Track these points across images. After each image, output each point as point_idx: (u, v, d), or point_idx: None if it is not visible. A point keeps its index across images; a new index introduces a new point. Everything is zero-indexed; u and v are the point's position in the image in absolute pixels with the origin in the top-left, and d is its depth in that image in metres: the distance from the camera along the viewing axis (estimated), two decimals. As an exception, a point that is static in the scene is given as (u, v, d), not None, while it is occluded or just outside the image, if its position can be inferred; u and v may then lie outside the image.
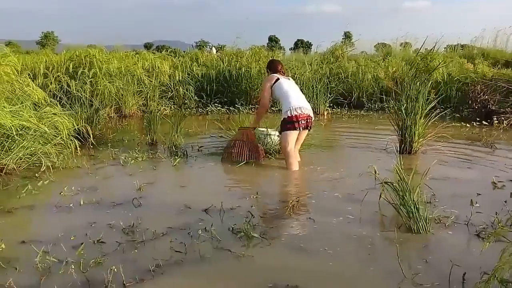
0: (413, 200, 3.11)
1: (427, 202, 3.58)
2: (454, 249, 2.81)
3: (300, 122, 4.71)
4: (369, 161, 5.03)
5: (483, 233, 3.01)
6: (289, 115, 4.71)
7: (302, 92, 9.43)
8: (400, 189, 3.20)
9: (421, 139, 5.53)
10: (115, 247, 2.83)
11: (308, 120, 4.80)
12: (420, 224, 3.06)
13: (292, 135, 4.77)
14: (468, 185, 4.22)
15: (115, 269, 2.38)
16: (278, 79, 4.96)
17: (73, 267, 2.49)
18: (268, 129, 5.29)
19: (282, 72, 5.18)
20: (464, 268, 2.44)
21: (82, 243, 2.85)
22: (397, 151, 5.55)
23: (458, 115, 8.80)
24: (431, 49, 5.77)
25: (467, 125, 7.68)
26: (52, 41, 73.97)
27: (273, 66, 5.24)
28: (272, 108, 7.51)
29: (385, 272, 2.51)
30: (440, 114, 6.16)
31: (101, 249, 2.81)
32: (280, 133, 4.95)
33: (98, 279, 2.40)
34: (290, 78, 5.26)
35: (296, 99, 4.80)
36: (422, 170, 4.53)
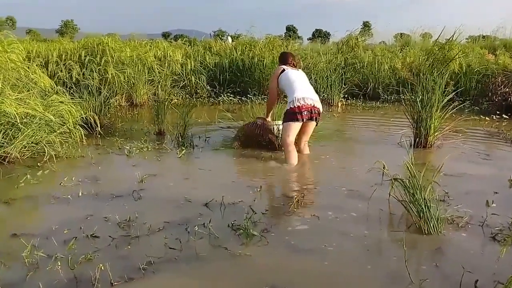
0: (424, 199, 2.92)
1: (440, 200, 3.40)
2: (467, 253, 2.62)
3: (303, 114, 4.52)
4: (381, 155, 4.81)
5: (499, 235, 2.81)
6: (291, 106, 4.53)
7: (316, 83, 9.39)
8: (410, 186, 3.02)
9: (437, 133, 5.30)
10: (108, 242, 2.71)
11: (313, 111, 4.60)
12: (431, 225, 2.87)
13: (293, 126, 4.58)
14: (484, 182, 4.00)
15: (102, 267, 2.26)
16: (284, 70, 4.81)
17: (60, 263, 2.36)
18: (275, 121, 5.13)
19: (293, 64, 5.01)
20: (477, 275, 2.26)
21: (75, 237, 2.74)
22: (411, 145, 5.33)
23: (477, 108, 8.48)
24: (449, 39, 5.50)
25: (487, 118, 7.38)
26: (72, 30, 74.68)
27: (283, 58, 5.12)
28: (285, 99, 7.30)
29: (391, 276, 2.34)
30: (458, 106, 5.92)
31: (94, 244, 2.70)
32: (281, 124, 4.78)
33: (86, 277, 2.28)
34: (300, 69, 5.07)
35: (300, 90, 4.61)
36: (436, 166, 4.35)
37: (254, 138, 5.09)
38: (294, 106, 4.52)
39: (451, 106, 5.42)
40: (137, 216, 3.10)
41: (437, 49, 5.44)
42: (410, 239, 2.78)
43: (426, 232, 2.85)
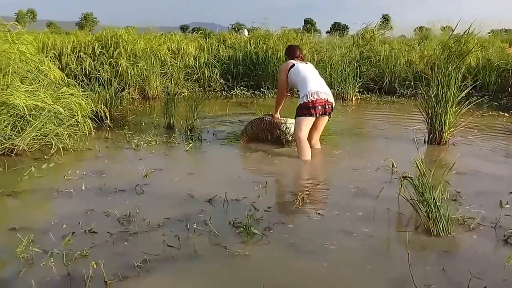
0: (434, 198, 2.80)
1: (452, 200, 3.27)
2: (476, 256, 2.50)
3: (317, 108, 4.42)
4: (394, 152, 4.71)
5: (512, 238, 2.68)
6: (305, 100, 4.42)
7: (331, 77, 9.24)
8: (419, 185, 2.89)
9: (452, 129, 5.13)
10: (105, 239, 2.66)
11: (327, 106, 4.50)
12: (440, 225, 2.75)
13: (307, 121, 4.48)
14: (499, 182, 3.84)
15: (95, 265, 2.20)
16: (293, 65, 4.71)
17: (53, 260, 2.31)
18: (286, 118, 5.01)
19: (301, 57, 4.92)
20: (486, 280, 2.14)
21: (72, 233, 2.69)
22: (425, 141, 5.18)
23: (496, 103, 8.23)
24: (465, 31, 5.31)
25: (506, 114, 7.13)
26: (91, 23, 75.46)
27: (291, 52, 5.00)
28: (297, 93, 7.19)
29: (393, 280, 2.24)
30: (476, 101, 5.73)
31: (91, 239, 2.65)
32: (294, 118, 4.66)
33: (79, 274, 2.22)
34: (308, 62, 4.96)
35: (313, 84, 4.50)
36: (449, 163, 4.21)
37: (261, 134, 5.03)
38: (308, 101, 4.41)
39: (469, 101, 5.25)
40: (137, 212, 3.05)
41: (452, 42, 5.23)
42: (417, 241, 2.67)
43: (435, 233, 2.74)
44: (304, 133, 4.48)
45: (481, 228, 2.85)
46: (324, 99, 4.46)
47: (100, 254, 2.45)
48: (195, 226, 2.75)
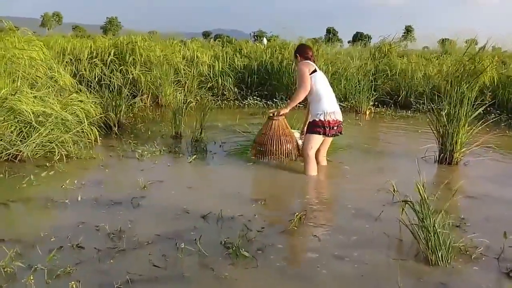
0: (433, 225, 2.67)
1: (456, 226, 3.13)
2: (475, 291, 2.37)
3: (332, 129, 4.32)
4: (400, 171, 4.59)
5: (515, 272, 2.53)
6: (321, 119, 4.31)
7: (345, 89, 9.10)
8: (420, 211, 2.77)
9: (464, 149, 4.96)
10: (92, 255, 2.61)
11: (339, 126, 4.42)
12: (440, 254, 2.62)
13: (318, 139, 4.38)
14: (509, 207, 3.68)
15: (74, 285, 2.14)
16: (315, 70, 4.47)
17: (35, 276, 2.27)
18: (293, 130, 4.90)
19: (313, 59, 4.65)
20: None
21: (60, 247, 2.65)
22: (435, 161, 5.02)
23: (514, 122, 7.99)
24: (480, 49, 5.15)
25: (524, 134, 6.91)
26: (115, 27, 76.73)
27: (303, 51, 4.63)
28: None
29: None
30: (494, 119, 5.55)
31: (78, 255, 2.60)
32: (305, 133, 4.55)
33: (59, 293, 2.17)
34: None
35: (330, 101, 4.39)
36: (458, 186, 4.06)
37: (268, 151, 4.58)
38: (324, 120, 4.31)
39: (484, 119, 5.09)
40: (129, 227, 3.00)
41: (467, 59, 5.07)
42: (414, 270, 2.55)
43: (433, 262, 2.61)
44: (313, 151, 4.39)
45: (483, 258, 2.71)
46: (339, 120, 4.39)
47: (84, 272, 2.40)
48: (184, 246, 2.68)
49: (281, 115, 4.59)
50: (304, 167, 4.41)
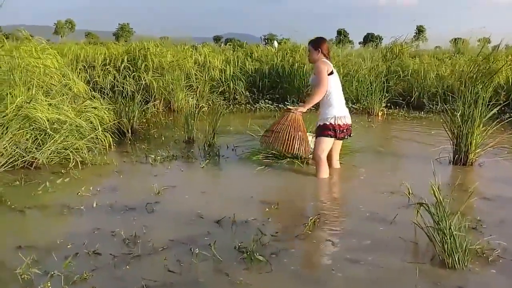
0: (449, 227, 2.64)
1: (472, 228, 3.10)
2: (493, 294, 2.34)
3: (341, 132, 4.32)
4: (415, 173, 4.54)
5: (533, 275, 2.50)
6: (332, 122, 4.30)
7: (357, 91, 9.07)
8: (436, 213, 2.74)
9: (478, 150, 4.90)
10: (108, 261, 2.63)
11: (348, 129, 4.42)
12: (456, 257, 2.59)
13: (329, 142, 4.37)
14: (525, 209, 3.62)
15: (91, 291, 2.17)
16: (332, 72, 4.40)
17: (52, 282, 2.30)
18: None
19: (330, 57, 4.59)
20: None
21: (76, 253, 2.68)
22: (450, 162, 4.97)
23: (530, 121, 7.86)
24: (495, 49, 5.09)
25: (541, 133, 6.80)
26: (127, 33, 77.46)
27: (324, 46, 4.47)
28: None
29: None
30: (509, 119, 5.48)
31: (94, 261, 2.62)
32: (315, 137, 4.53)
33: (76, 299, 2.20)
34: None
35: (341, 106, 4.38)
36: (473, 187, 4.02)
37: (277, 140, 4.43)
38: (335, 124, 4.30)
39: (499, 120, 5.03)
40: (144, 232, 3.02)
41: (481, 59, 5.02)
42: (430, 273, 2.53)
43: (450, 265, 2.58)
44: (325, 154, 4.38)
45: (500, 261, 2.67)
46: (349, 124, 4.39)
47: (100, 278, 2.42)
48: (198, 251, 2.69)
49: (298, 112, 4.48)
50: (316, 169, 4.41)
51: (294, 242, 2.94)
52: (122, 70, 8.57)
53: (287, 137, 4.38)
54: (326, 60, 4.43)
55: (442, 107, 8.89)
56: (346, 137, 4.49)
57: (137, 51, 9.33)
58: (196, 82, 9.44)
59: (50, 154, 4.69)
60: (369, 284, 2.42)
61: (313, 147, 4.56)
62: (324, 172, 4.37)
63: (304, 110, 4.46)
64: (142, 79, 8.41)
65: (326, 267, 2.62)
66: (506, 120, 5.73)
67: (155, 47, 9.53)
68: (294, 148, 4.41)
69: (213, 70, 9.92)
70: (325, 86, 4.29)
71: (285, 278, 2.47)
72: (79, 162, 4.64)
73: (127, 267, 2.56)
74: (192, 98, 8.77)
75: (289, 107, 4.57)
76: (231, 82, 10.07)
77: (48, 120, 4.72)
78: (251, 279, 2.44)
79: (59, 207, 3.49)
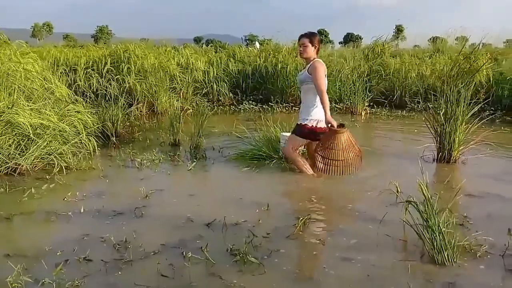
0: (438, 225, 2.68)
1: (459, 225, 3.15)
2: (483, 289, 2.38)
3: (319, 134, 4.36)
4: (401, 172, 4.61)
5: (521, 269, 2.55)
6: (319, 126, 4.32)
7: (340, 91, 9.15)
8: (424, 211, 2.78)
9: (461, 147, 5.00)
10: (99, 267, 2.60)
11: (323, 132, 4.40)
12: (445, 254, 2.64)
13: (302, 142, 4.46)
14: (510, 205, 3.70)
15: (84, 298, 2.14)
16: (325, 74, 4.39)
17: (43, 291, 2.27)
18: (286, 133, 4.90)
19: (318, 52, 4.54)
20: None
21: (66, 260, 2.64)
22: (434, 160, 5.05)
23: (509, 118, 8.03)
24: (475, 48, 5.19)
25: (519, 130, 6.96)
26: (106, 35, 76.59)
27: (318, 42, 4.44)
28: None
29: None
30: (489, 117, 5.60)
31: (85, 268, 2.59)
32: (292, 133, 4.51)
33: (68, 307, 2.17)
34: None
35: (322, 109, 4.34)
36: (458, 184, 4.10)
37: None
38: (322, 127, 4.32)
39: (480, 117, 5.13)
40: (134, 237, 2.99)
41: (462, 58, 5.11)
42: (421, 270, 2.56)
43: (440, 262, 2.62)
44: (294, 150, 4.44)
45: (488, 256, 2.73)
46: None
47: (92, 284, 2.40)
48: (191, 255, 2.68)
49: (342, 127, 4.33)
50: (297, 168, 4.49)
51: (286, 243, 2.95)
52: (106, 73, 8.46)
53: (344, 162, 4.29)
54: (321, 61, 4.40)
55: (423, 106, 9.05)
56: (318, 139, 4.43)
57: (121, 53, 9.20)
58: (179, 84, 9.39)
59: (34, 160, 4.61)
60: (362, 282, 2.45)
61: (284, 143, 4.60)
62: (307, 167, 4.44)
63: (331, 118, 4.22)
64: (126, 82, 8.32)
65: (319, 266, 2.64)
66: (487, 118, 5.84)
67: (138, 49, 9.43)
68: (355, 168, 4.36)
69: (196, 71, 9.88)
70: (325, 88, 4.28)
71: (279, 279, 2.48)
72: (63, 167, 4.58)
73: (119, 272, 2.54)
74: (177, 101, 8.71)
75: (333, 127, 4.23)
76: (214, 83, 10.05)
77: (31, 125, 4.64)
78: (245, 281, 2.44)
79: (46, 214, 3.44)
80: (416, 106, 9.39)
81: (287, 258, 2.75)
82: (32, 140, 4.66)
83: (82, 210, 3.48)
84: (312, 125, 4.32)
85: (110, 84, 7.92)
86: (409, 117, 8.66)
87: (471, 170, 4.73)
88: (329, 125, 4.22)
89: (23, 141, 4.66)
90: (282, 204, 3.82)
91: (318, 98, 4.31)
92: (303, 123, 4.38)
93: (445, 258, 2.63)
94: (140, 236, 3.02)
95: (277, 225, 3.25)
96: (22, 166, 4.51)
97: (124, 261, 2.66)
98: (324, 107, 4.22)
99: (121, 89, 8.15)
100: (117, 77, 8.41)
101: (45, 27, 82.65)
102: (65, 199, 3.75)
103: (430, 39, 16.86)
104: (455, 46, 13.64)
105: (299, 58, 8.39)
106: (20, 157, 4.51)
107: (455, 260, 2.63)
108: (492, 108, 8.41)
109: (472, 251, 2.78)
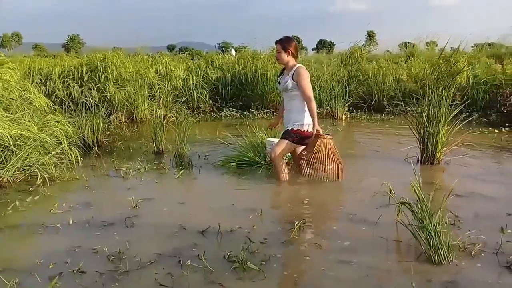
0: (433, 225, 2.72)
1: (450, 224, 3.20)
2: (482, 285, 2.41)
3: (306, 138, 4.36)
4: (388, 173, 4.66)
5: (516, 265, 2.60)
6: (309, 130, 4.33)
7: (320, 95, 9.22)
8: (418, 211, 2.81)
9: (444, 148, 5.09)
10: (94, 279, 2.53)
11: (311, 137, 4.40)
12: (442, 253, 2.67)
13: (290, 147, 4.41)
14: (496, 202, 3.78)
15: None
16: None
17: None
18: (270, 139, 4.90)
19: (297, 56, 4.51)
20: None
21: (60, 273, 2.56)
22: (418, 161, 5.13)
23: (485, 119, 8.26)
24: (455, 51, 5.31)
25: (496, 130, 7.13)
26: (77, 44, 75.46)
27: (293, 47, 4.37)
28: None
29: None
30: (467, 120, 5.73)
31: (80, 280, 2.51)
32: (282, 138, 4.45)
33: (66, 321, 2.10)
34: None
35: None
36: (445, 184, 4.17)
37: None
38: (311, 132, 4.31)
39: (459, 119, 5.24)
40: (128, 247, 2.92)
41: (442, 61, 5.22)
42: (420, 270, 2.58)
43: (437, 262, 2.65)
44: (280, 155, 4.40)
45: (482, 254, 2.77)
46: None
47: (89, 297, 2.33)
48: (189, 263, 2.63)
49: (325, 134, 4.36)
50: (276, 172, 4.46)
51: (283, 248, 2.94)
52: (86, 82, 8.33)
53: (328, 167, 4.26)
54: (303, 67, 4.40)
55: (401, 109, 9.21)
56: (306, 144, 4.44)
57: (98, 62, 9.06)
58: (158, 92, 9.30)
59: (15, 172, 4.48)
60: (362, 283, 2.45)
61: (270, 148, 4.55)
62: (285, 174, 4.44)
63: (318, 127, 4.29)
64: (106, 91, 8.19)
65: (318, 270, 2.63)
66: (466, 121, 5.98)
67: (115, 58, 9.30)
68: (334, 175, 4.33)
69: (176, 79, 9.81)
70: (312, 94, 4.29)
71: (279, 284, 2.47)
72: (46, 179, 4.46)
73: (116, 284, 2.48)
74: (159, 109, 8.63)
75: (318, 132, 4.28)
76: (194, 91, 9.99)
77: (10, 137, 4.51)
78: (246, 287, 2.41)
79: (34, 226, 3.33)
80: (394, 110, 9.55)
81: (286, 263, 2.74)
82: (13, 152, 4.53)
83: (70, 222, 3.39)
84: (304, 130, 4.33)
85: (90, 93, 7.77)
86: (388, 120, 8.80)
87: (455, 170, 4.81)
88: (316, 131, 4.25)
89: (3, 153, 4.53)
90: (274, 209, 3.81)
91: (304, 105, 4.32)
92: (295, 128, 4.37)
93: (442, 257, 2.66)
94: (133, 246, 2.95)
95: (272, 231, 3.24)
96: (3, 178, 4.37)
97: (120, 272, 2.59)
98: (311, 114, 4.25)
99: (100, 98, 8.01)
100: (97, 86, 8.26)
101: (14, 37, 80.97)
102: (52, 211, 3.64)
103: (401, 44, 17.20)
104: (426, 50, 13.97)
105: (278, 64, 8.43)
106: (1, 169, 4.38)
107: (451, 259, 2.67)
108: (468, 110, 8.61)
109: (467, 249, 2.82)
